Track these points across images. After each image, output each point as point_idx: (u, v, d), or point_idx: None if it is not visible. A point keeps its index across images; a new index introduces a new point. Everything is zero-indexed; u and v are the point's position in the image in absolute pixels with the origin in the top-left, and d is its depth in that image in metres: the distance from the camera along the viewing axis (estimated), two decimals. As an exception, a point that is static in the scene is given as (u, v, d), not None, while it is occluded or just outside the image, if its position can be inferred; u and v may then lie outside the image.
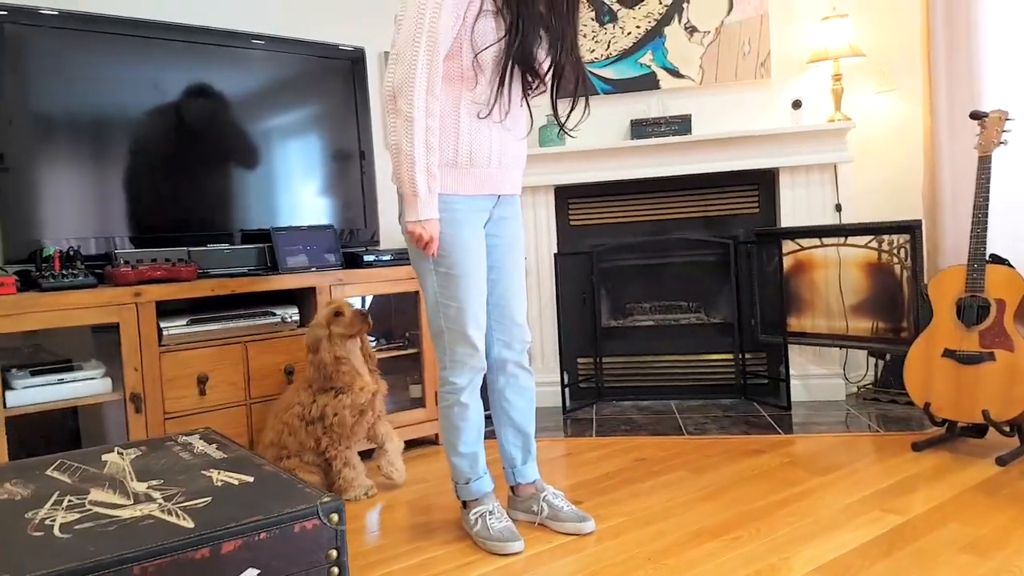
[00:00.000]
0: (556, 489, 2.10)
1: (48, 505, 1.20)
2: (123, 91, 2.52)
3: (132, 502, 1.21)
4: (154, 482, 1.31)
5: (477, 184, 1.87)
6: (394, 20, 1.79)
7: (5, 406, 2.06)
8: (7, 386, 2.09)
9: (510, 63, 1.78)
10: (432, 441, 2.95)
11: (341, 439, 2.34)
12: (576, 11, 1.88)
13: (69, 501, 1.22)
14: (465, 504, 2.01)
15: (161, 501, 1.20)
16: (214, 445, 1.56)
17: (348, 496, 2.34)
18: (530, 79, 1.86)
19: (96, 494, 1.25)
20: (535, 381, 2.12)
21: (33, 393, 2.11)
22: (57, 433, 2.43)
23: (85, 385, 2.20)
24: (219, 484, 1.29)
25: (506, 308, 2.00)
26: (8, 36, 2.31)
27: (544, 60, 1.86)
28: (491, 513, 1.94)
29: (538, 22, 1.80)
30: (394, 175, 1.77)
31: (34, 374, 2.14)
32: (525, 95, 1.91)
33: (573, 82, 1.91)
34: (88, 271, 2.28)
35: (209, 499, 1.21)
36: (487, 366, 2.01)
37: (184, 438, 1.63)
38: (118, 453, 1.51)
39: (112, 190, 2.50)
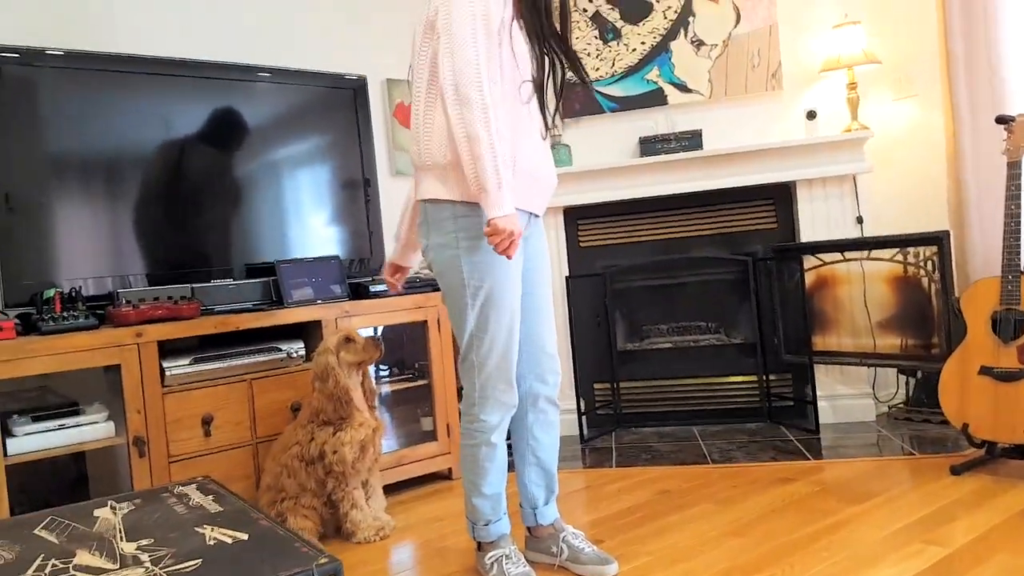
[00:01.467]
0: (576, 528, 2.00)
1: (30, 572, 1.12)
2: (127, 128, 2.47)
3: (118, 566, 1.13)
4: (144, 542, 1.23)
5: (523, 201, 1.75)
6: (426, 24, 1.70)
7: (5, 454, 2.00)
8: (7, 433, 2.03)
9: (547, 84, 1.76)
10: (445, 476, 2.85)
11: (345, 478, 2.24)
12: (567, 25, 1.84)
13: (53, 566, 1.14)
14: (480, 546, 1.90)
15: (148, 565, 1.12)
16: (210, 496, 1.48)
17: (358, 539, 2.24)
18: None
19: (82, 557, 1.17)
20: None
21: (34, 440, 2.05)
22: (65, 479, 2.37)
23: (88, 430, 2.14)
24: (211, 543, 1.21)
25: (537, 338, 1.90)
26: (14, 77, 2.28)
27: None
28: (507, 557, 1.84)
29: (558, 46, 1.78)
30: (467, 169, 1.61)
31: (35, 420, 2.08)
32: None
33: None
34: (90, 312, 2.22)
35: (199, 561, 1.13)
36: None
37: (180, 488, 1.55)
38: (111, 508, 1.43)
39: (115, 229, 2.46)
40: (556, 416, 1.96)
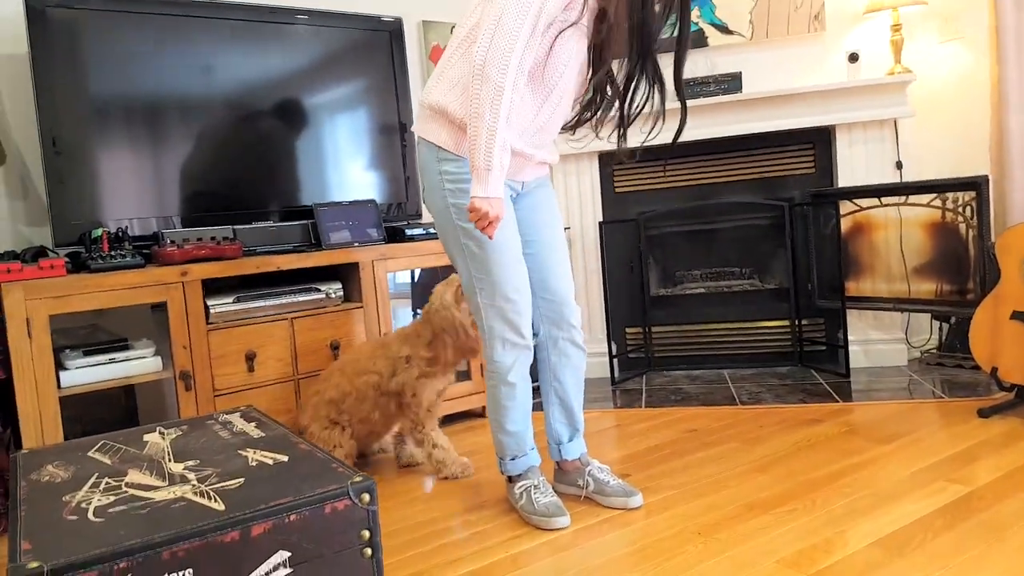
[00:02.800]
0: (602, 463, 2.06)
1: (86, 488, 1.22)
2: (168, 72, 2.53)
3: (167, 483, 1.22)
4: (190, 463, 1.32)
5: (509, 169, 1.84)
6: None
7: (60, 386, 2.12)
8: (61, 366, 2.15)
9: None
10: (479, 414, 2.94)
11: (421, 421, 2.28)
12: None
13: (106, 483, 1.24)
14: (510, 479, 1.98)
15: (195, 483, 1.21)
16: (253, 423, 1.57)
17: (445, 474, 2.29)
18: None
19: (133, 475, 1.27)
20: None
21: (86, 373, 2.16)
22: (115, 411, 2.51)
23: (136, 364, 2.25)
24: (254, 464, 1.29)
25: (547, 283, 1.95)
26: (58, 21, 2.34)
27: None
28: (536, 487, 1.91)
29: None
30: (469, 141, 1.65)
31: (87, 354, 2.19)
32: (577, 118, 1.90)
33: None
34: (136, 251, 2.32)
35: (242, 480, 1.21)
36: (539, 343, 1.97)
37: (225, 416, 1.64)
38: (159, 433, 1.53)
39: (159, 171, 2.53)
40: (580, 360, 2.00)
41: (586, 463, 2.02)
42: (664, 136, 1.91)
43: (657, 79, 1.83)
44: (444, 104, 1.76)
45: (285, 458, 1.31)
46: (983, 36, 3.09)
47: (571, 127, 1.95)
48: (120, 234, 2.35)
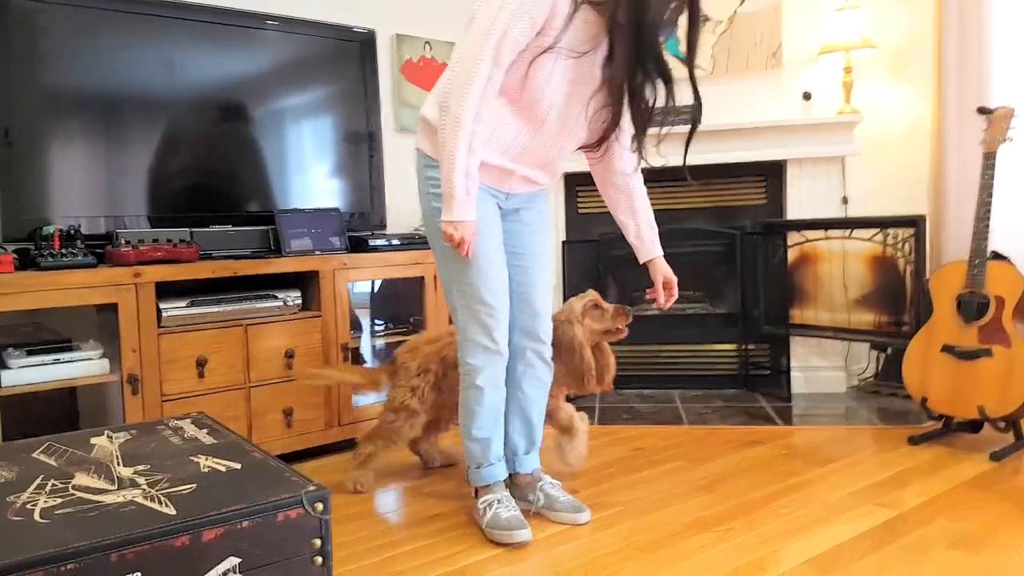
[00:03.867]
0: (554, 479, 2.11)
1: (31, 489, 1.22)
2: (130, 69, 2.52)
3: (116, 487, 1.22)
4: (140, 467, 1.33)
5: (489, 180, 1.86)
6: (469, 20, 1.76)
7: (0, 385, 2.08)
8: (2, 365, 2.11)
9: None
10: (430, 426, 2.96)
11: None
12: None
13: (53, 485, 1.23)
14: (476, 492, 2.00)
15: (145, 487, 1.22)
16: (205, 430, 1.57)
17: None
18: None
19: (81, 478, 1.27)
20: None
21: (29, 373, 2.12)
22: (55, 414, 2.46)
23: (82, 366, 2.22)
24: (205, 470, 1.30)
25: (527, 296, 1.99)
26: (16, 12, 2.31)
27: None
28: (499, 502, 1.93)
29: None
30: (441, 169, 1.74)
31: (30, 354, 2.15)
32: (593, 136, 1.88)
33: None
34: (88, 251, 2.29)
35: (194, 486, 1.22)
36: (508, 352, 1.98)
37: (175, 422, 1.64)
38: (107, 437, 1.52)
39: (115, 169, 2.51)
40: (545, 374, 2.04)
41: (539, 478, 2.06)
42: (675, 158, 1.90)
43: (663, 76, 1.78)
44: (429, 116, 1.84)
45: (238, 466, 1.32)
46: (928, 82, 3.25)
47: (595, 145, 1.91)
48: (72, 232, 2.31)
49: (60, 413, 2.45)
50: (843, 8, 3.20)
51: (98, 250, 2.38)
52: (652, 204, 3.42)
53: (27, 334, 2.43)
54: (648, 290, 2.08)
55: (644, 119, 1.81)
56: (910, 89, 3.33)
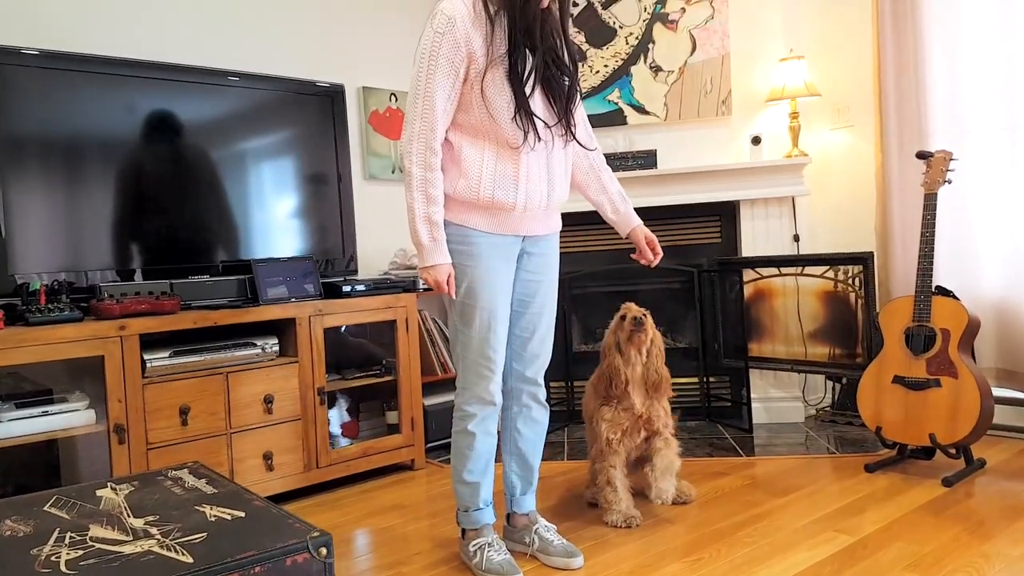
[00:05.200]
0: (549, 522, 2.16)
1: (51, 542, 1.27)
2: (109, 128, 2.59)
3: (131, 538, 1.29)
4: (150, 518, 1.39)
5: (499, 225, 1.93)
6: None
7: (-9, 439, 2.11)
8: (-7, 419, 2.14)
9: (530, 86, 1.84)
10: (408, 467, 3.03)
11: (602, 454, 2.33)
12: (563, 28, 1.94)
13: (71, 537, 1.29)
14: (464, 533, 2.06)
15: (159, 537, 1.28)
16: (203, 480, 1.64)
17: (606, 519, 2.30)
18: (553, 93, 1.90)
19: (96, 530, 1.33)
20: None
21: (19, 426, 2.16)
22: (37, 465, 2.47)
23: (70, 417, 2.26)
24: (213, 519, 1.37)
25: (529, 341, 2.05)
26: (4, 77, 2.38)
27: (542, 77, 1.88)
28: (490, 545, 2.00)
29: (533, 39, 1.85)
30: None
31: (19, 406, 2.19)
32: (560, 117, 1.92)
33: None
34: (73, 305, 2.34)
35: (205, 534, 1.29)
36: (504, 392, 2.06)
37: (174, 472, 1.70)
38: (111, 488, 1.58)
39: (97, 224, 2.57)
40: (542, 415, 2.13)
41: (534, 520, 2.13)
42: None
43: (557, 52, 1.89)
44: None
45: (242, 514, 1.40)
46: (869, 126, 3.47)
47: (562, 124, 1.95)
48: (57, 286, 2.37)
49: (41, 465, 2.47)
50: (787, 58, 3.43)
51: (83, 304, 2.43)
52: (613, 243, 3.62)
53: (8, 386, 2.45)
54: (632, 254, 2.20)
55: (559, 93, 1.91)
56: (854, 132, 3.56)
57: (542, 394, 2.12)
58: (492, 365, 1.95)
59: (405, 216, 3.62)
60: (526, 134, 1.84)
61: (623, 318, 2.38)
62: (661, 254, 2.18)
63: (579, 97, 2.00)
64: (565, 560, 2.03)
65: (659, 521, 2.31)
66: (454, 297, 1.91)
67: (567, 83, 1.93)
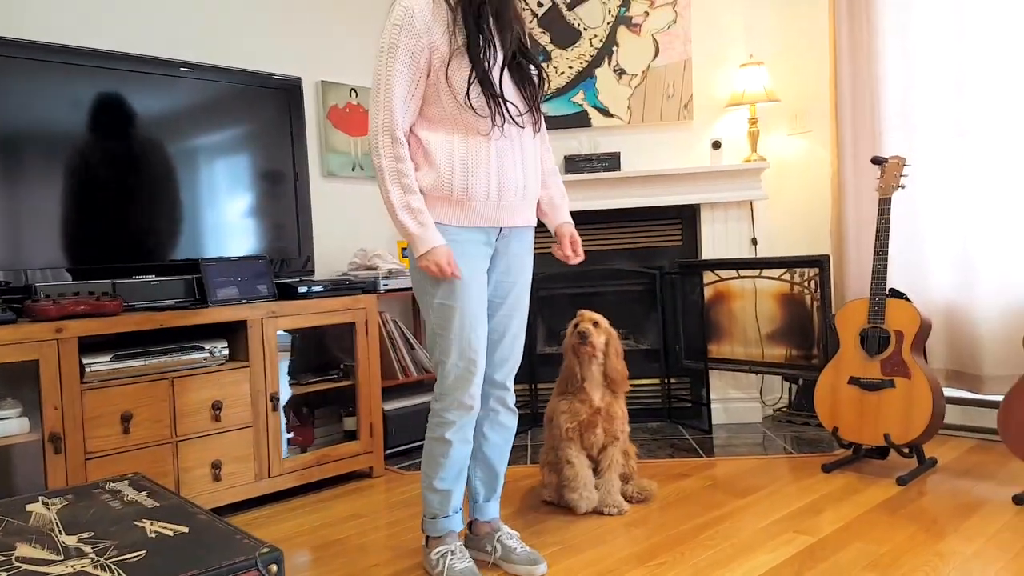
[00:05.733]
0: (512, 529, 2.12)
1: (-27, 563, 1.18)
2: (46, 119, 2.46)
3: (62, 557, 1.20)
4: (84, 535, 1.30)
5: (474, 218, 1.88)
6: None
7: (-85, 450, 1.98)
8: (-83, 429, 2.01)
9: (492, 74, 1.82)
10: (366, 475, 2.95)
11: (559, 442, 2.44)
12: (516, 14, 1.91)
13: (-5, 558, 1.20)
14: (427, 541, 2.00)
15: (93, 556, 1.20)
16: (144, 492, 1.55)
17: (567, 500, 2.41)
18: (521, 79, 1.88)
19: (23, 549, 1.23)
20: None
21: (-54, 436, 2.03)
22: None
23: (1, 425, 2.13)
24: (153, 535, 1.29)
25: (500, 343, 2.00)
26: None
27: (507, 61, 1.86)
28: (453, 553, 1.94)
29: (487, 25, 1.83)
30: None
31: (-54, 415, 2.06)
32: (530, 105, 1.90)
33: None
34: (6, 306, 2.21)
35: (144, 552, 1.21)
36: None
37: (112, 485, 1.60)
38: (43, 503, 1.48)
39: (33, 219, 2.44)
40: (509, 420, 2.07)
41: (497, 528, 2.07)
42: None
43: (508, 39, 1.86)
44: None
45: (185, 529, 1.32)
46: (826, 132, 3.51)
47: (532, 111, 1.94)
48: (-10, 287, 2.24)
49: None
50: (748, 64, 3.44)
51: (16, 305, 2.30)
52: (578, 244, 3.58)
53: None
54: (555, 247, 2.12)
55: (528, 81, 1.91)
56: (811, 138, 3.59)
57: (511, 399, 2.06)
58: (474, 367, 1.90)
59: (373, 214, 3.54)
60: (494, 118, 1.82)
61: (576, 326, 2.47)
62: (582, 256, 2.13)
63: (545, 86, 1.99)
64: (528, 568, 1.98)
65: (622, 523, 2.28)
66: (459, 278, 1.84)
67: (534, 71, 1.93)
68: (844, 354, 2.67)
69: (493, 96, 1.81)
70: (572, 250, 2.09)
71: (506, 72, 1.86)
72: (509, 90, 1.87)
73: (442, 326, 1.88)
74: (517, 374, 3.48)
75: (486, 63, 1.80)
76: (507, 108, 1.84)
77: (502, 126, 1.84)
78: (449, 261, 1.80)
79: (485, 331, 1.93)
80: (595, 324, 2.47)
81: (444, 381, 1.91)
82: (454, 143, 1.83)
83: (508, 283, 2.00)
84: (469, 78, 1.79)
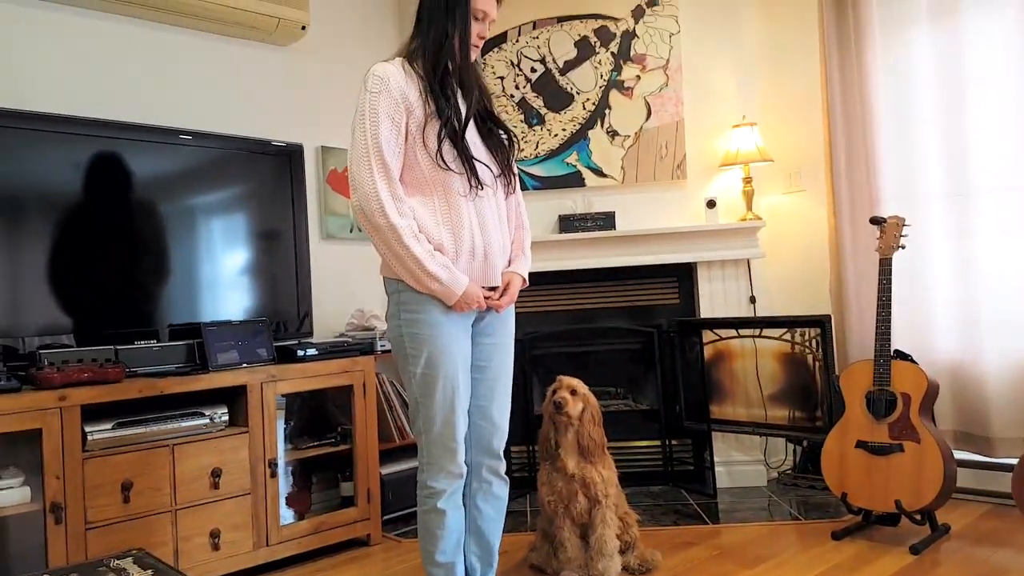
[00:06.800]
0: None
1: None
2: (54, 187, 2.47)
3: (72, 646, 1.16)
4: (92, 619, 1.26)
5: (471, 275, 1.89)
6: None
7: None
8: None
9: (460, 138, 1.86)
10: (363, 543, 2.89)
11: (549, 517, 2.45)
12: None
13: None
14: None
15: (104, 644, 1.16)
16: (149, 571, 1.51)
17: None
18: (491, 138, 1.94)
19: (30, 637, 1.19)
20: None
21: (-58, 509, 1.98)
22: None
23: (3, 495, 2.09)
24: (163, 619, 1.25)
25: (486, 410, 1.98)
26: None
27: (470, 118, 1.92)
28: None
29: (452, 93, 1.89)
30: (408, 278, 1.82)
31: (-56, 487, 2.02)
32: (502, 167, 1.95)
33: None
34: (11, 374, 2.19)
35: (155, 639, 1.17)
36: None
37: (117, 563, 1.56)
38: (47, 584, 1.44)
39: (35, 286, 2.43)
40: (502, 490, 2.04)
41: None
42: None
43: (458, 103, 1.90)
44: (376, 244, 1.88)
45: (196, 612, 1.28)
46: (821, 191, 3.56)
47: (504, 174, 1.99)
48: (-9, 354, 2.21)
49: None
50: (740, 125, 3.51)
51: (20, 372, 2.28)
52: (572, 304, 3.60)
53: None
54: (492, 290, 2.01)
55: (498, 144, 1.97)
56: (807, 197, 3.65)
57: (502, 467, 2.04)
58: (457, 435, 1.88)
59: (371, 275, 3.55)
60: (470, 179, 1.86)
61: (554, 392, 2.46)
62: (512, 301, 2.01)
63: (517, 150, 2.05)
64: None
65: (630, 597, 2.23)
66: (500, 306, 1.91)
67: (503, 134, 1.99)
68: (850, 417, 2.66)
69: (465, 155, 1.85)
70: (501, 295, 1.98)
71: (476, 134, 1.92)
72: (481, 152, 1.92)
73: (425, 394, 1.86)
74: (514, 436, 3.47)
75: (456, 123, 1.85)
76: (477, 168, 1.88)
77: (479, 187, 1.88)
78: (481, 291, 1.87)
79: (468, 397, 1.92)
80: (572, 392, 2.46)
81: (430, 450, 1.88)
82: (436, 205, 1.86)
83: (492, 345, 2.00)
84: (439, 135, 1.83)
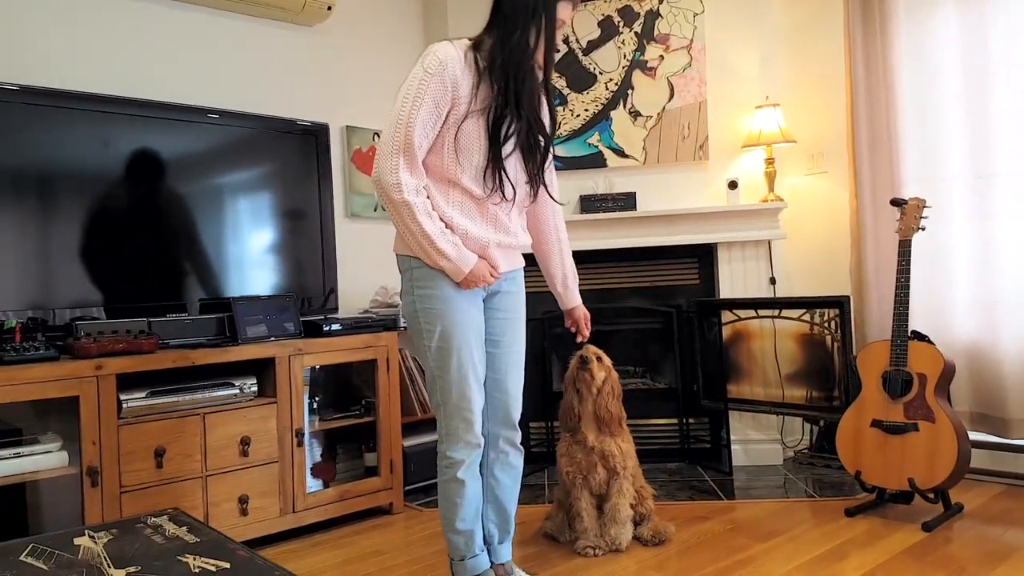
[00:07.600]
0: (528, 571, 2.13)
1: (29, 596, 1.22)
2: (86, 164, 2.56)
3: (113, 591, 1.24)
4: (132, 569, 1.34)
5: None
6: None
7: (-41, 483, 2.04)
8: (-39, 462, 2.07)
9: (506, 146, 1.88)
10: (386, 511, 2.98)
11: (567, 488, 2.50)
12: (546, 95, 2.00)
13: (49, 591, 1.25)
14: None
15: (143, 590, 1.24)
16: (184, 528, 1.59)
17: (576, 548, 2.45)
18: (530, 155, 1.95)
19: (75, 583, 1.28)
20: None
21: (-10, 468, 2.09)
22: (3, 508, 2.39)
23: (42, 459, 2.19)
24: (197, 571, 1.33)
25: (502, 382, 2.04)
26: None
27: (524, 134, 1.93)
28: None
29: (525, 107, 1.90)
30: (420, 253, 1.87)
31: (-9, 448, 2.12)
32: (531, 176, 1.98)
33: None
34: (49, 343, 2.28)
35: (190, 587, 1.25)
36: None
37: (154, 520, 1.65)
38: (89, 537, 1.53)
39: (73, 262, 2.52)
40: (517, 460, 2.10)
41: (510, 571, 2.09)
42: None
43: (530, 114, 1.92)
44: (394, 220, 1.93)
45: (227, 564, 1.36)
46: (843, 173, 3.56)
47: (534, 180, 2.01)
48: (32, 324, 2.31)
49: (8, 507, 2.38)
50: (763, 105, 3.51)
51: (57, 343, 2.38)
52: (592, 283, 3.66)
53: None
54: (568, 322, 2.30)
55: (534, 156, 1.97)
56: (828, 178, 3.65)
57: (518, 438, 2.10)
58: (473, 406, 1.94)
59: (398, 248, 3.62)
60: (492, 190, 1.90)
61: (580, 356, 2.54)
62: (591, 329, 2.30)
63: (551, 159, 2.07)
64: None
65: (644, 568, 2.29)
66: (501, 278, 1.96)
67: (543, 144, 1.98)
68: (866, 396, 2.69)
69: (496, 170, 1.88)
70: (586, 328, 2.27)
71: (516, 150, 1.93)
72: (512, 166, 1.93)
73: (440, 367, 1.93)
74: (532, 412, 3.55)
75: (500, 135, 1.87)
76: (505, 182, 1.90)
77: (496, 197, 1.92)
78: (489, 268, 1.91)
79: (483, 370, 1.98)
80: (598, 358, 2.53)
81: (448, 422, 1.95)
82: (451, 195, 1.90)
83: (504, 320, 2.06)
84: (481, 147, 1.86)
